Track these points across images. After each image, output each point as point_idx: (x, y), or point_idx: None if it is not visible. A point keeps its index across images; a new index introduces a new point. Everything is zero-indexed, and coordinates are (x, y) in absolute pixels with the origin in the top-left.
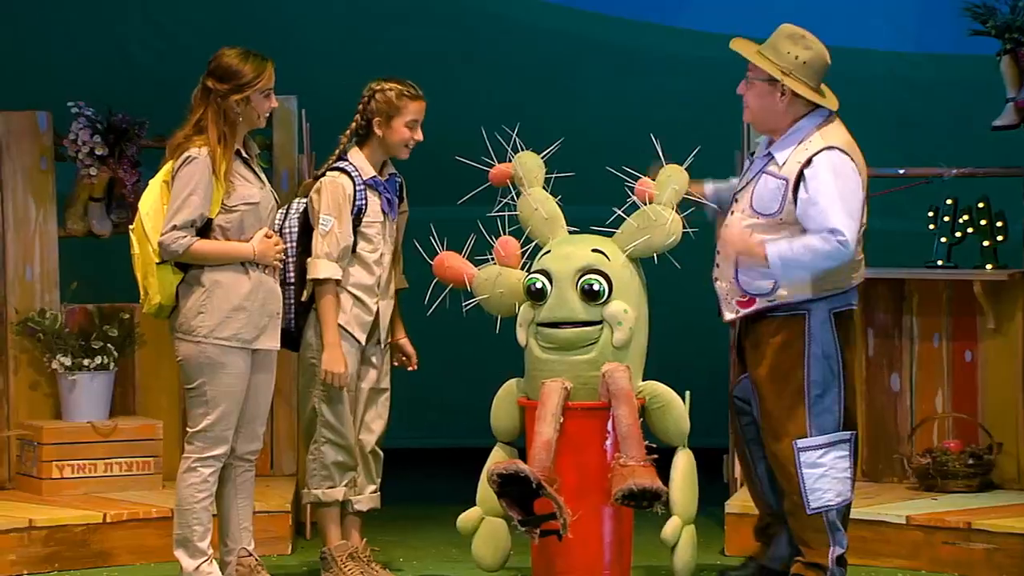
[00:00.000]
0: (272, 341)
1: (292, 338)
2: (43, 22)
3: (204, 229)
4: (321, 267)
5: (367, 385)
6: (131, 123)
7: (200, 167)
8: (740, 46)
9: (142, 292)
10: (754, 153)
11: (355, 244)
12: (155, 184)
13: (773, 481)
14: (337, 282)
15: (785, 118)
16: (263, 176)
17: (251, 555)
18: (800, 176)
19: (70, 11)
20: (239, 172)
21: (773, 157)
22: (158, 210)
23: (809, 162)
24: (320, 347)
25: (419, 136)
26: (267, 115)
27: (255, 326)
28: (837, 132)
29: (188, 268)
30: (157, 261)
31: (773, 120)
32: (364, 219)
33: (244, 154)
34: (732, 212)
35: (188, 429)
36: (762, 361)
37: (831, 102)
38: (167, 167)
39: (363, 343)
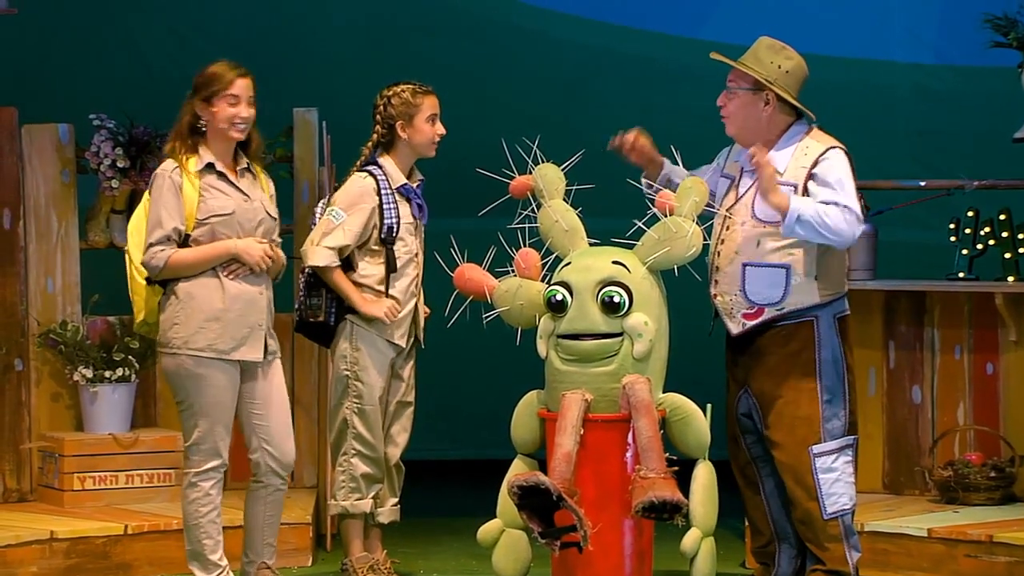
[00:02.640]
0: (254, 353)
1: (329, 332)
2: (64, 35)
3: (183, 245)
4: (319, 255)
5: (394, 398)
6: (152, 135)
7: (164, 182)
8: (721, 57)
9: (134, 310)
10: (721, 161)
11: (394, 256)
12: (143, 201)
13: (781, 497)
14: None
15: (769, 128)
16: (250, 190)
17: (269, 568)
18: (809, 177)
19: (92, 24)
20: (212, 185)
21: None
22: (139, 228)
23: (816, 163)
24: (354, 357)
25: (441, 129)
26: (239, 125)
27: (232, 337)
28: (828, 136)
29: (166, 283)
30: (142, 279)
31: (757, 130)
32: (399, 231)
33: (218, 167)
34: (728, 227)
35: (183, 444)
36: (771, 371)
37: (811, 114)
38: None
39: (404, 347)
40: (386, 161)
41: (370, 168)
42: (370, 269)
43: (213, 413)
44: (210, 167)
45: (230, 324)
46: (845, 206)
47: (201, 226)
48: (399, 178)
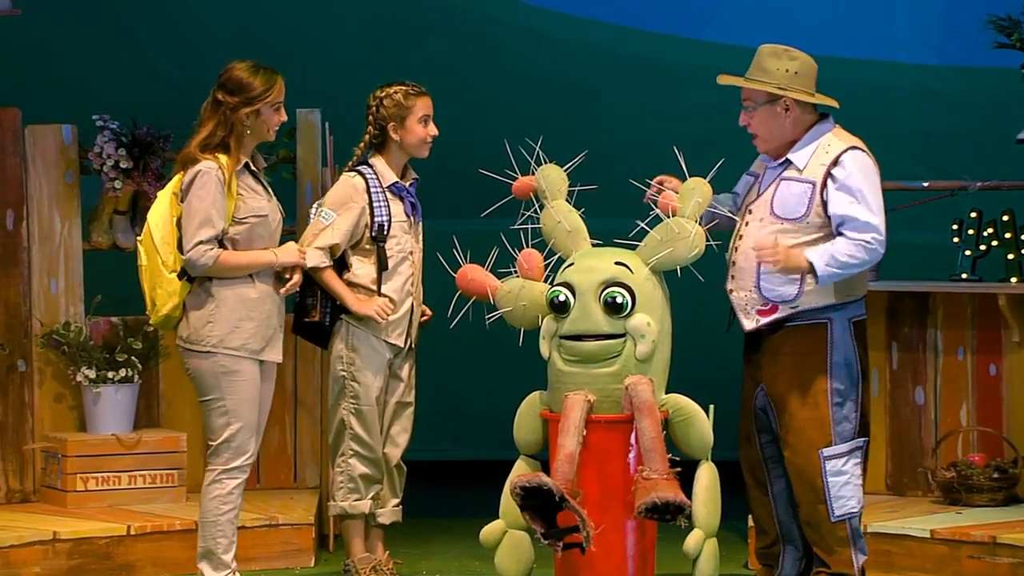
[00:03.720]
0: (276, 354)
1: (325, 333)
2: (68, 36)
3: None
4: (309, 255)
5: (393, 399)
6: (156, 136)
7: (214, 181)
8: (729, 79)
9: (149, 303)
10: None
11: (385, 253)
12: (164, 196)
13: (788, 499)
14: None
15: (794, 131)
16: (270, 189)
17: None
18: (828, 177)
19: (95, 25)
20: (248, 185)
21: (791, 163)
22: (167, 221)
23: (836, 163)
24: (350, 358)
25: (434, 131)
26: (276, 128)
27: (262, 337)
28: (850, 135)
29: (195, 279)
30: (168, 272)
31: (784, 136)
32: (389, 229)
33: (252, 167)
34: (747, 223)
35: (210, 443)
36: (783, 371)
37: (833, 101)
38: (176, 179)
39: (402, 346)
40: (377, 161)
41: (360, 168)
42: (363, 268)
43: (245, 411)
44: (245, 167)
45: (261, 324)
46: (864, 224)
47: (239, 225)
48: (390, 176)
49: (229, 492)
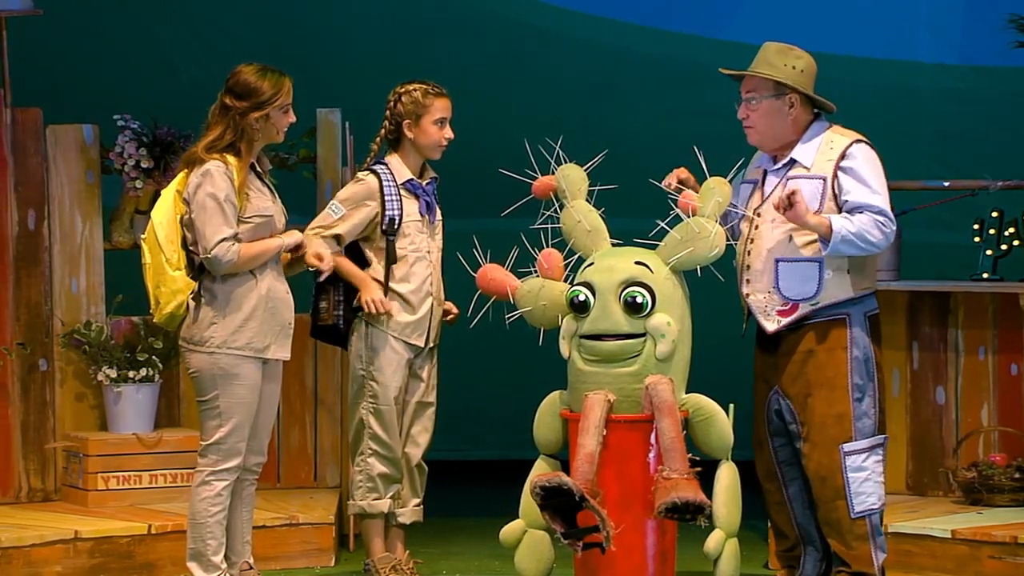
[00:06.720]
0: (283, 351)
1: (341, 335)
2: (89, 36)
3: None
4: (314, 243)
5: (414, 398)
6: (176, 136)
7: (224, 180)
8: (737, 71)
9: (153, 302)
10: (743, 174)
11: (394, 247)
12: (168, 194)
13: (804, 500)
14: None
15: (794, 130)
16: (274, 190)
17: (252, 568)
18: (838, 170)
19: (116, 25)
20: (254, 185)
21: (796, 162)
22: (171, 219)
23: (844, 156)
24: (368, 357)
25: (449, 134)
26: (285, 130)
27: (267, 335)
28: (850, 130)
29: (199, 277)
30: (173, 270)
31: (783, 134)
32: (401, 225)
33: (258, 168)
34: (757, 227)
35: (201, 442)
36: (803, 369)
37: (832, 105)
38: (180, 178)
39: (422, 346)
40: (393, 159)
41: (375, 167)
42: (381, 267)
43: (240, 413)
44: (251, 167)
45: (265, 322)
46: (880, 210)
47: (243, 224)
48: (405, 174)
49: (218, 494)
